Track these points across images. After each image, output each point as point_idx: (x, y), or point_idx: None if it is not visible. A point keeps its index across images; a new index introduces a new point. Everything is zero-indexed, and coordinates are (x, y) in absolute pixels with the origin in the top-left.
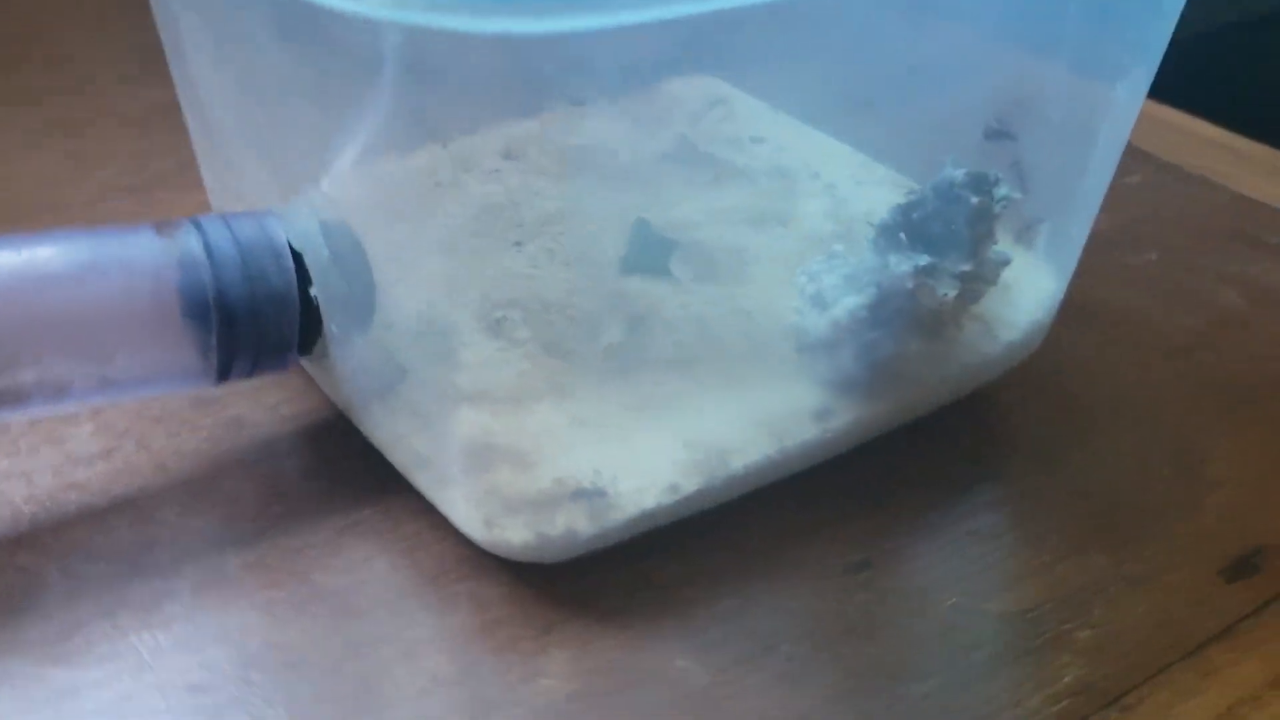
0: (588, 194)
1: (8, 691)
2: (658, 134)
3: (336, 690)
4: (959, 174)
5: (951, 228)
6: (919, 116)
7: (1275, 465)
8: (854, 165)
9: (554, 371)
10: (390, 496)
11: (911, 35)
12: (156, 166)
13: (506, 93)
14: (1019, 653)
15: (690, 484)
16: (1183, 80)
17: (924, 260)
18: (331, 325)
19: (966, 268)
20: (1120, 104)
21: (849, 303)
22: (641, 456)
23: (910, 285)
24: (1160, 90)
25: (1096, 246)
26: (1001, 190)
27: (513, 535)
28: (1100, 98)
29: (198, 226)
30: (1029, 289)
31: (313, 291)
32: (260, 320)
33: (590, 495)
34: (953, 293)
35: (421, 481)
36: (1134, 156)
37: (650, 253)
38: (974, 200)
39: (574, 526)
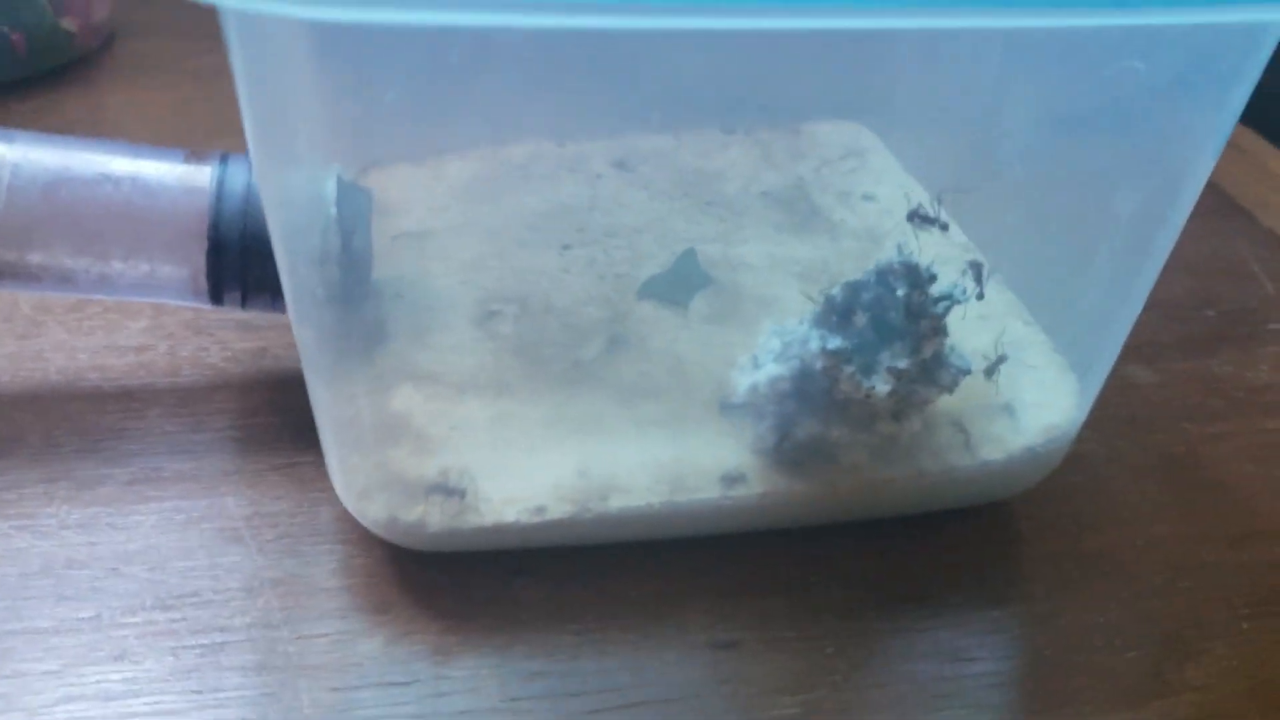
0: (674, 215)
1: None
2: (781, 171)
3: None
4: (896, 261)
5: (889, 317)
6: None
7: None
8: (944, 244)
9: (507, 371)
10: None
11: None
12: None
13: (676, 106)
14: None
15: (558, 510)
16: None
17: (834, 344)
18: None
19: (902, 364)
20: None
21: (770, 370)
22: (527, 471)
23: (819, 366)
24: None
25: None
26: (942, 288)
27: (374, 511)
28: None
29: (223, 161)
30: (1033, 406)
31: None
32: (248, 256)
33: (447, 492)
34: (884, 387)
35: (327, 440)
36: None
37: (680, 283)
38: (900, 292)
39: (425, 519)
